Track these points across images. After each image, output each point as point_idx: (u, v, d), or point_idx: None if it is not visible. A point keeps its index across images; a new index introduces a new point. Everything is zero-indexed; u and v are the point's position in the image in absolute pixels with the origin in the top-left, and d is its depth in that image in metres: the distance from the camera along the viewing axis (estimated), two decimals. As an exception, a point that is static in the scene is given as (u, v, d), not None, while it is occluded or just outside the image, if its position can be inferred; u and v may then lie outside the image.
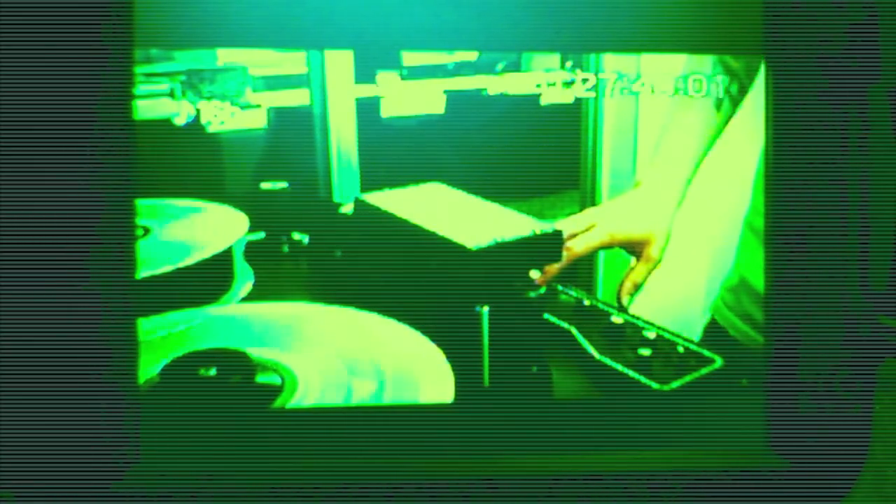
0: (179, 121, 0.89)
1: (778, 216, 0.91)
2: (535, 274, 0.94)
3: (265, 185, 0.91)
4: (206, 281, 0.90)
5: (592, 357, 0.93)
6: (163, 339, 0.88)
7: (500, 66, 0.92)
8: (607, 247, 0.96)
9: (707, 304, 0.98)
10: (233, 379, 0.89)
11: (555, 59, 0.92)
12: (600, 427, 0.91)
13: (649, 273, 0.96)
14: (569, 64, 0.92)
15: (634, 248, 0.96)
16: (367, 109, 0.92)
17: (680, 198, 0.95)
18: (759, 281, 0.94)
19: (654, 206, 0.95)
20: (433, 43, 0.90)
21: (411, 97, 0.92)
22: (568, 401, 0.92)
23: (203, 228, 0.90)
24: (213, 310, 0.90)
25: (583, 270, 0.97)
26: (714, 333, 0.97)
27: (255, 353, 0.90)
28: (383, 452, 0.88)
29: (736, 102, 0.93)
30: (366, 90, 0.91)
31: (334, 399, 0.89)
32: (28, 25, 0.81)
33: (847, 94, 0.89)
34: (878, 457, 0.89)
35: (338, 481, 0.87)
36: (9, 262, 0.82)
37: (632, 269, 0.96)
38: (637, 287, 0.96)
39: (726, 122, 0.94)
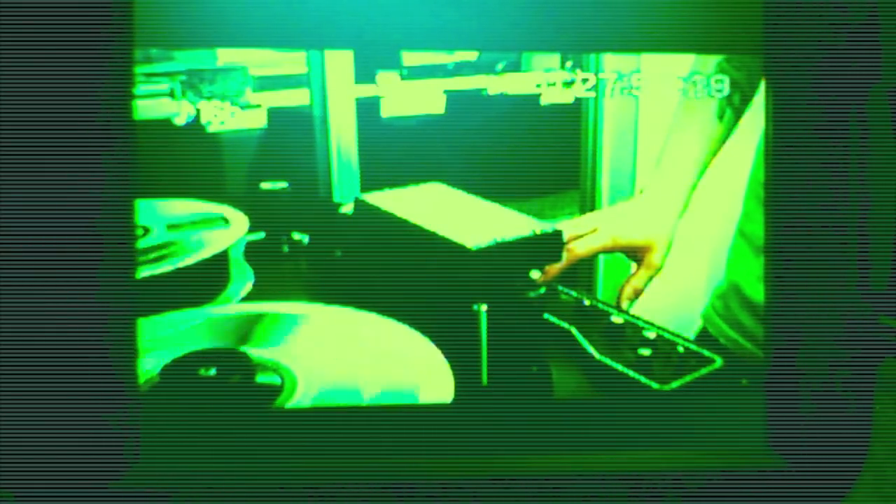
0: (179, 121, 0.89)
1: (778, 215, 0.90)
2: (535, 274, 0.94)
3: (265, 185, 0.91)
4: (206, 281, 0.90)
5: (592, 357, 0.93)
6: (165, 339, 0.88)
7: (500, 66, 0.92)
8: (609, 251, 0.96)
9: (701, 311, 0.98)
10: (233, 379, 0.89)
11: (555, 59, 0.92)
12: (600, 427, 0.91)
13: (650, 279, 0.96)
14: (569, 64, 0.92)
15: (636, 254, 0.96)
16: (367, 109, 0.92)
17: (683, 205, 0.95)
18: (749, 287, 0.93)
19: (657, 213, 0.95)
20: (433, 43, 0.90)
21: (411, 97, 0.92)
22: (568, 401, 0.92)
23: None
24: (213, 310, 0.90)
25: (583, 271, 0.97)
26: (706, 341, 0.96)
27: (255, 353, 0.90)
28: (383, 452, 0.88)
29: (739, 112, 0.93)
30: (366, 90, 0.91)
31: (334, 399, 0.89)
32: (28, 25, 0.81)
33: (847, 94, 0.89)
34: (878, 457, 0.89)
35: (338, 481, 0.87)
36: (8, 261, 0.82)
37: (632, 275, 0.96)
38: (637, 293, 0.96)
39: (729, 131, 0.94)
